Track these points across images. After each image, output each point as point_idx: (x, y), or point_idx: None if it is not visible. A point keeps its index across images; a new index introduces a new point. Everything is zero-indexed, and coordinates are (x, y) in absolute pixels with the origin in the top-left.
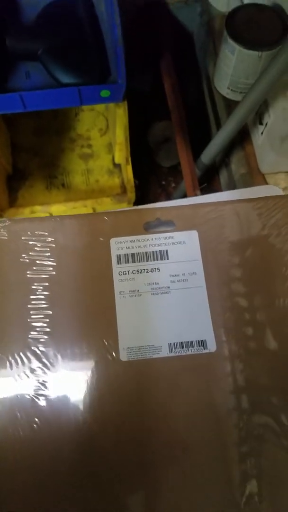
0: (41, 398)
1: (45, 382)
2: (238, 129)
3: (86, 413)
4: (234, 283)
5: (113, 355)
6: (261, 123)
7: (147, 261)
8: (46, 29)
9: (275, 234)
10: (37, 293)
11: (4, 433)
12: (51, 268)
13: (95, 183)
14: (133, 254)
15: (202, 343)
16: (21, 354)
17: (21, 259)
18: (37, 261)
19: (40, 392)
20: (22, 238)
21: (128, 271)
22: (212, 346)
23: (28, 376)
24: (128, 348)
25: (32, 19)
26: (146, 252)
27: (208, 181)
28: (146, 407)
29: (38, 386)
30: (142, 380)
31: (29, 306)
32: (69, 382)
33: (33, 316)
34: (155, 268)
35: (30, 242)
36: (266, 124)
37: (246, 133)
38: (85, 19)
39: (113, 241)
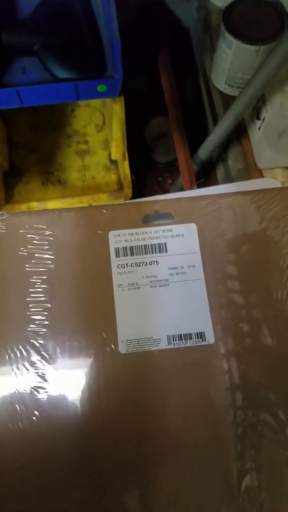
0: (40, 390)
1: (44, 374)
2: (235, 124)
3: (85, 405)
4: (231, 276)
5: (112, 348)
6: (258, 118)
7: (145, 254)
8: (43, 24)
9: (273, 227)
10: (36, 286)
11: (3, 427)
12: (49, 262)
13: (91, 180)
14: (131, 247)
15: (201, 335)
16: (20, 347)
17: (19, 253)
18: (36, 255)
19: (40, 384)
20: (20, 231)
21: (127, 264)
22: (210, 338)
23: (27, 369)
24: (127, 340)
25: (28, 14)
26: (144, 245)
27: (205, 177)
28: (145, 400)
29: (37, 379)
30: (141, 372)
31: (27, 299)
32: (68, 375)
33: (32, 309)
34: (154, 261)
35: (28, 236)
36: (263, 119)
37: (243, 128)
38: (82, 13)
39: (111, 234)
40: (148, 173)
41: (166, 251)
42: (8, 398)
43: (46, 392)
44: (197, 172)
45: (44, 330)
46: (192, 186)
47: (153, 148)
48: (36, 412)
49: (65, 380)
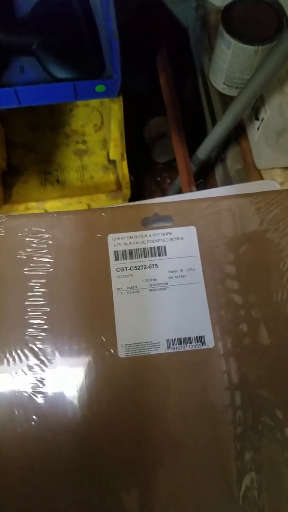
0: (39, 395)
1: (43, 379)
2: (234, 124)
3: (84, 410)
4: (231, 278)
5: (111, 352)
6: (257, 119)
7: (145, 257)
8: (41, 23)
9: (273, 229)
10: (34, 290)
11: (2, 430)
12: (48, 265)
13: (90, 180)
14: (130, 251)
15: (200, 339)
16: (19, 351)
17: (18, 256)
18: (34, 258)
19: (38, 389)
20: (19, 234)
21: (126, 267)
22: (210, 342)
23: (25, 373)
24: (126, 344)
25: (27, 13)
26: (144, 248)
27: (203, 177)
28: (144, 404)
29: (36, 383)
30: (140, 376)
31: (26, 303)
32: (67, 379)
33: (30, 313)
34: (153, 264)
35: (27, 239)
36: (262, 120)
37: (242, 129)
38: (80, 13)
39: (110, 237)
40: (147, 173)
41: (166, 254)
42: (7, 402)
43: (44, 396)
44: (196, 173)
45: (43, 334)
46: (190, 187)
47: (152, 148)
48: (34, 417)
49: (64, 385)
